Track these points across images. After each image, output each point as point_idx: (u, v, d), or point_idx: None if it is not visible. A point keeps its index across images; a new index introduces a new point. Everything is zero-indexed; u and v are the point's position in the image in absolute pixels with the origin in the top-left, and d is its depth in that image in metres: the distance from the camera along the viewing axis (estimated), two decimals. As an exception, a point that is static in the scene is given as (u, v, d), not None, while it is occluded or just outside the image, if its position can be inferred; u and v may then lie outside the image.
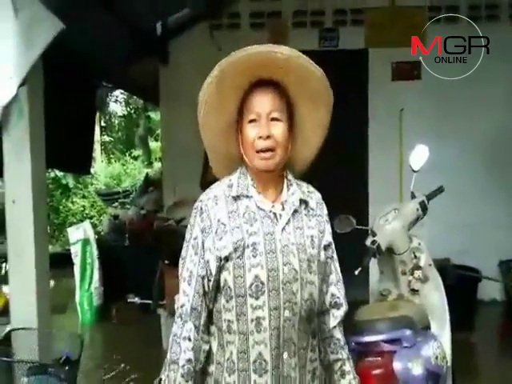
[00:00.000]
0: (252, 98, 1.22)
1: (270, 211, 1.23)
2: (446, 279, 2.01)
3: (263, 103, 1.20)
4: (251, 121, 1.21)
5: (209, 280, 1.21)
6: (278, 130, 1.21)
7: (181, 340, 1.20)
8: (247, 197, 1.24)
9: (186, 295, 1.23)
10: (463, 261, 3.80)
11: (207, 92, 1.21)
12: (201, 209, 1.24)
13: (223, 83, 1.19)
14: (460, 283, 3.60)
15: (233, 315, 1.20)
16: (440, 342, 1.77)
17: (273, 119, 1.21)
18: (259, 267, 1.17)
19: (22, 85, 2.06)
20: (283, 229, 1.21)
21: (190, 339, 1.20)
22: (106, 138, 12.71)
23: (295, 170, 1.34)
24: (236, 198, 1.24)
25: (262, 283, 1.17)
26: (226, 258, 1.19)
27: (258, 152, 1.21)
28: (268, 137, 1.19)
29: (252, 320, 1.18)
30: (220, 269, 1.21)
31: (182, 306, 1.23)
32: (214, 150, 1.32)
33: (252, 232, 1.19)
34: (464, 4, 4.47)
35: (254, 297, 1.17)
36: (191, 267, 1.23)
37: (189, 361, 1.19)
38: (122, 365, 3.29)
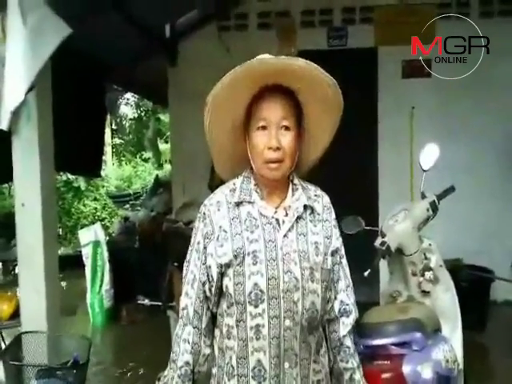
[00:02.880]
0: (262, 103, 1.18)
1: (273, 217, 1.20)
2: (458, 280, 1.97)
3: (274, 111, 1.17)
4: (260, 127, 1.18)
5: (210, 285, 1.21)
6: (288, 140, 1.17)
7: (181, 341, 1.23)
8: (249, 202, 1.22)
9: (190, 298, 1.23)
10: (476, 261, 3.74)
11: (217, 92, 1.17)
12: (204, 214, 1.24)
13: (234, 87, 1.16)
14: (472, 284, 3.56)
15: (233, 321, 1.19)
16: (451, 345, 1.72)
17: (282, 127, 1.17)
18: (259, 275, 1.15)
19: (30, 90, 2.07)
20: (285, 236, 1.19)
21: (188, 342, 1.22)
22: (117, 141, 12.80)
23: (300, 170, 1.32)
24: (238, 204, 1.22)
25: (262, 291, 1.15)
26: (227, 265, 1.18)
27: (266, 162, 1.18)
28: (278, 148, 1.16)
29: (251, 327, 1.17)
30: (222, 275, 1.20)
31: (183, 309, 1.24)
32: (219, 150, 1.28)
33: (253, 239, 1.17)
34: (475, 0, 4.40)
35: (254, 305, 1.16)
36: (195, 271, 1.23)
37: (187, 363, 1.21)
38: (132, 364, 3.30)
